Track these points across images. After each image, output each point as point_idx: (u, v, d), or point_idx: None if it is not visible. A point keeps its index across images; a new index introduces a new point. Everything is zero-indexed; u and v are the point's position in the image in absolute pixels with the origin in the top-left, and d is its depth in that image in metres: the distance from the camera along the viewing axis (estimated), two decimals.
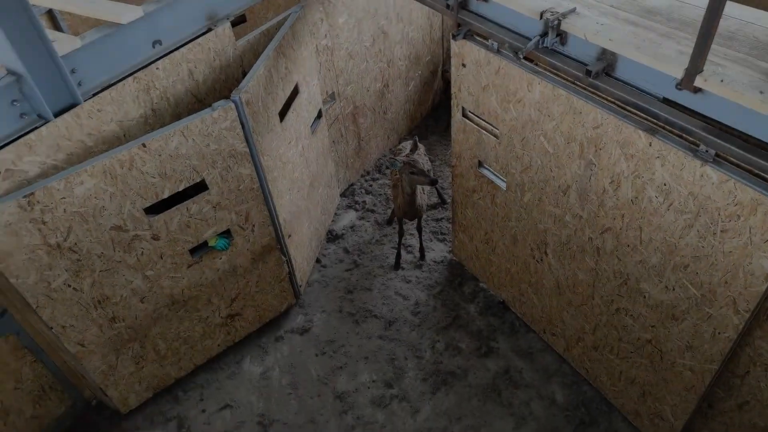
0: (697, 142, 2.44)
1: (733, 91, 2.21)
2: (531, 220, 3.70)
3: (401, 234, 4.91)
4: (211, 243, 3.79)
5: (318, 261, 5.14)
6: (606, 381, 3.80)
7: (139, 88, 3.36)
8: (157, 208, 3.41)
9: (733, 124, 2.34)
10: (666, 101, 2.55)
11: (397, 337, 4.48)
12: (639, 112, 2.65)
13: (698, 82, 2.32)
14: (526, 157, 3.42)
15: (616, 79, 2.72)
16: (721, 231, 2.52)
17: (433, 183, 4.20)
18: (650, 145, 2.61)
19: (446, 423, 3.90)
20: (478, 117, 3.71)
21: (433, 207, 5.55)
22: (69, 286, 3.25)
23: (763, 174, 2.30)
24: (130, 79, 3.30)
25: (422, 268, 4.98)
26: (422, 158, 4.61)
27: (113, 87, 3.23)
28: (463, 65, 3.50)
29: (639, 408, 3.62)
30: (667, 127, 2.56)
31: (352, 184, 5.84)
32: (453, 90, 3.76)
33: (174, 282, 3.74)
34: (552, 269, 3.74)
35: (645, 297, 3.12)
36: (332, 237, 5.33)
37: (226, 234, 3.86)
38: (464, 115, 3.81)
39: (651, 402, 3.48)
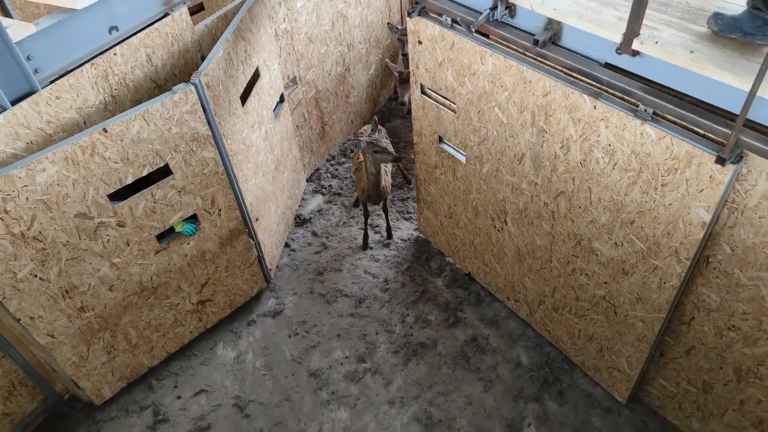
0: (637, 103, 2.61)
1: (666, 51, 2.37)
2: (490, 190, 3.84)
3: (367, 215, 5.00)
4: (178, 228, 3.81)
5: (287, 245, 5.19)
6: (567, 340, 4.00)
7: (98, 75, 3.36)
8: (121, 195, 3.42)
9: (669, 83, 2.51)
10: (608, 66, 2.71)
11: (367, 314, 4.58)
12: (584, 78, 2.80)
13: (636, 45, 2.47)
14: (483, 129, 3.55)
15: (562, 47, 2.86)
16: (662, 185, 2.69)
17: (396, 160, 4.30)
18: (595, 108, 2.77)
19: (418, 391, 4.04)
20: (435, 93, 3.82)
21: (398, 187, 5.66)
22: (35, 276, 3.24)
23: (694, 128, 2.48)
24: (87, 65, 3.29)
25: (390, 247, 5.09)
26: (384, 139, 4.71)
27: (71, 74, 3.22)
28: (419, 42, 3.61)
29: (598, 363, 3.83)
30: (610, 90, 2.72)
31: (318, 169, 5.90)
32: (411, 68, 3.87)
33: (142, 269, 3.75)
34: (512, 237, 3.90)
35: (597, 255, 3.30)
36: (300, 221, 5.39)
37: (193, 219, 3.88)
38: (423, 92, 3.92)
39: (608, 356, 3.69)
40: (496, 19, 3.04)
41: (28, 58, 3.00)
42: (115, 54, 3.40)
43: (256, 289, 4.70)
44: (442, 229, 4.72)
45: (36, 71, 3.06)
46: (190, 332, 4.38)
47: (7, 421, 3.82)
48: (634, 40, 2.46)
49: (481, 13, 3.05)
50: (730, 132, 2.28)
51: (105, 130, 3.10)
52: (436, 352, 4.27)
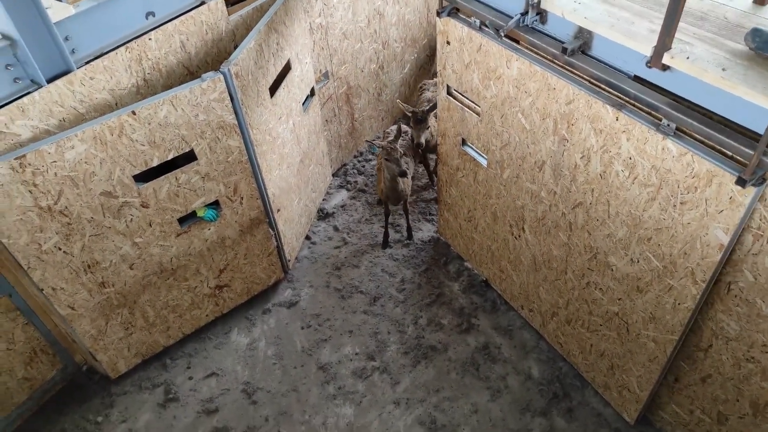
0: (660, 117, 2.52)
1: (697, 67, 2.28)
2: (510, 196, 3.80)
3: (387, 214, 5.00)
4: (200, 213, 3.89)
5: (308, 238, 5.23)
6: (578, 355, 3.92)
7: (132, 58, 3.45)
8: (146, 177, 3.51)
9: (697, 100, 2.42)
10: (637, 79, 2.62)
11: (381, 312, 4.58)
12: (610, 89, 2.72)
13: (666, 59, 2.39)
14: (505, 134, 3.51)
15: (591, 57, 2.79)
16: (681, 203, 2.61)
17: (401, 174, 4.33)
18: (617, 120, 2.70)
19: (424, 394, 4.01)
20: (461, 95, 3.79)
21: (423, 188, 5.63)
22: (59, 249, 3.35)
23: (717, 146, 2.39)
24: (122, 48, 3.38)
25: (409, 248, 5.07)
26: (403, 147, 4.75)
27: (106, 56, 3.32)
28: (448, 43, 3.59)
29: (608, 380, 3.74)
30: (635, 103, 2.64)
31: (344, 164, 5.93)
32: (438, 68, 3.85)
33: (163, 250, 3.84)
34: (529, 245, 3.84)
35: (612, 270, 3.22)
36: (323, 215, 5.42)
37: (215, 205, 3.95)
38: (449, 92, 3.89)
39: (619, 374, 3.60)
40: (527, 25, 2.99)
41: (66, 39, 3.10)
42: (150, 39, 3.48)
43: (274, 279, 4.75)
44: (461, 233, 4.68)
45: (73, 51, 3.17)
46: (206, 316, 4.47)
47: (27, 385, 3.97)
48: (665, 54, 2.37)
49: (512, 18, 3.00)
50: (753, 153, 2.18)
51: (133, 113, 3.18)
52: (446, 356, 4.23)
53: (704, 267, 2.66)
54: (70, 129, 3.08)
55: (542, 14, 2.93)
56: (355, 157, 6.03)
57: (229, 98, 3.52)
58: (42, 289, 3.44)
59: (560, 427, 3.77)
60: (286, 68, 4.28)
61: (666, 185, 2.64)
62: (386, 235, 5.09)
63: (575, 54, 2.80)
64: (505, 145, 3.58)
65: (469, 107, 3.77)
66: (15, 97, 3.00)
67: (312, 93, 4.86)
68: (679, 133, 2.50)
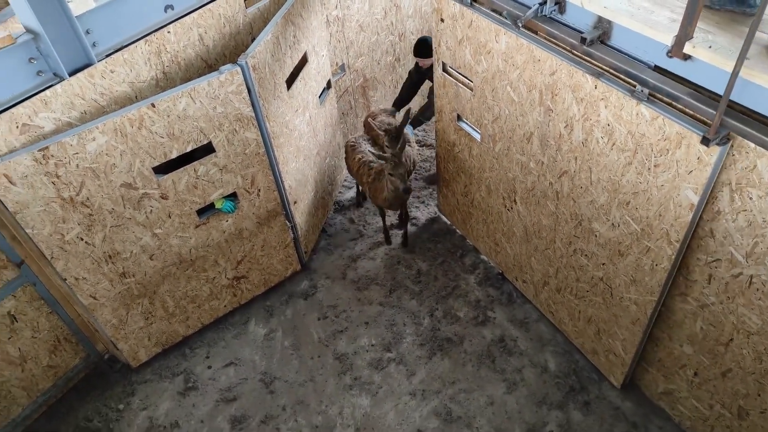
0: (634, 83, 2.64)
1: (719, 57, 2.24)
2: (502, 169, 3.93)
3: (384, 214, 4.96)
4: (218, 205, 3.93)
5: (324, 230, 5.26)
6: (568, 322, 4.04)
7: (151, 51, 3.49)
8: (165, 169, 3.55)
9: (719, 90, 2.37)
10: (657, 69, 2.59)
11: (397, 304, 4.60)
12: (629, 79, 2.69)
13: (687, 48, 2.35)
14: (496, 107, 3.63)
15: (610, 47, 2.75)
16: (654, 166, 2.72)
17: (405, 192, 4.24)
18: (596, 88, 2.80)
19: (440, 386, 4.03)
20: (455, 71, 3.91)
21: (432, 181, 5.62)
22: (81, 239, 3.42)
23: (686, 109, 2.51)
24: (142, 41, 3.42)
25: (425, 240, 5.07)
26: (412, 149, 4.64)
27: (126, 49, 3.36)
28: (442, 20, 3.72)
29: (596, 346, 3.86)
30: (610, 70, 2.76)
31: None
32: (434, 46, 3.98)
33: (182, 241, 3.89)
34: (521, 216, 3.98)
35: (596, 236, 3.34)
36: (339, 208, 5.45)
37: (233, 197, 3.99)
38: (444, 69, 4.02)
39: (605, 338, 3.72)
40: (545, 15, 2.96)
41: (87, 32, 3.15)
42: (168, 32, 3.52)
43: (291, 271, 4.79)
44: (459, 208, 4.83)
45: (94, 45, 3.21)
46: (225, 306, 4.53)
47: (51, 373, 4.07)
48: (687, 44, 2.33)
49: (530, 8, 2.97)
50: (715, 113, 2.28)
51: (153, 105, 3.22)
52: (462, 348, 4.24)
53: (677, 227, 2.77)
54: (92, 121, 3.14)
55: (561, 4, 2.90)
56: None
57: (246, 91, 3.54)
58: (65, 279, 3.51)
59: (577, 421, 3.76)
60: (303, 61, 4.29)
61: (641, 149, 2.75)
62: (386, 232, 5.07)
63: (594, 44, 2.76)
64: (496, 119, 3.69)
65: (462, 83, 3.88)
66: (38, 90, 3.06)
67: (328, 86, 4.87)
68: (652, 98, 2.60)
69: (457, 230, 5.04)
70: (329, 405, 4.01)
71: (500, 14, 3.23)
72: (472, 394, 3.96)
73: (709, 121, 2.39)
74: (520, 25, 3.03)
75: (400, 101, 5.20)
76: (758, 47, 2.24)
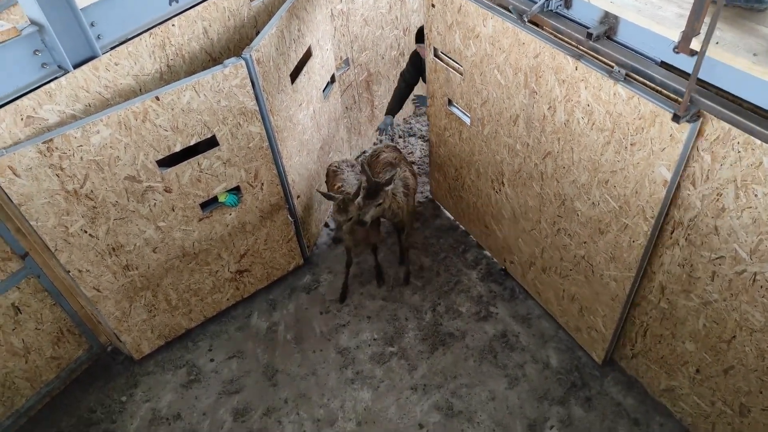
0: (612, 64, 2.73)
1: (727, 53, 2.23)
2: (490, 152, 4.03)
3: (349, 264, 4.51)
4: (221, 198, 3.94)
5: (326, 225, 5.26)
6: (554, 301, 4.16)
7: (155, 44, 3.48)
8: (169, 162, 3.55)
9: (727, 87, 2.36)
10: (664, 65, 2.57)
11: (399, 299, 4.60)
12: (636, 76, 2.68)
13: (695, 44, 2.33)
14: (484, 91, 3.72)
15: (616, 42, 2.74)
16: (631, 144, 2.81)
17: (362, 224, 3.71)
18: (576, 69, 2.89)
19: (442, 381, 4.04)
20: (446, 56, 4.00)
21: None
22: (85, 232, 3.43)
23: (659, 88, 2.60)
24: (146, 34, 3.42)
25: (428, 236, 5.07)
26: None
27: (130, 42, 3.36)
28: (433, 5, 3.81)
29: (579, 323, 3.99)
30: (590, 52, 2.85)
31: (364, 152, 5.93)
32: (426, 32, 4.08)
33: (185, 234, 3.90)
34: (509, 199, 4.09)
35: (578, 215, 3.44)
36: None
37: (236, 191, 3.99)
38: (436, 55, 4.11)
39: (587, 316, 3.84)
40: (551, 10, 2.95)
41: (92, 24, 3.15)
42: (173, 25, 3.51)
43: (293, 265, 4.80)
44: (450, 193, 4.94)
45: (98, 37, 3.21)
46: (227, 299, 4.54)
47: (54, 364, 4.09)
48: (693, 39, 2.32)
49: (536, 2, 2.96)
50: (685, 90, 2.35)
51: (157, 98, 3.22)
52: (463, 344, 4.24)
53: (652, 204, 2.86)
54: (96, 114, 3.13)
55: None
56: (374, 144, 6.03)
57: (250, 84, 3.54)
58: (69, 271, 3.52)
59: (578, 416, 3.77)
60: (307, 54, 4.28)
61: (618, 128, 2.84)
62: (345, 287, 4.58)
63: (600, 39, 2.75)
64: (484, 102, 3.78)
65: (453, 68, 3.98)
66: (42, 82, 3.06)
67: (332, 80, 4.86)
68: (629, 78, 2.69)
69: (449, 214, 5.17)
70: (331, 398, 4.02)
71: (506, 9, 3.21)
72: (473, 388, 3.97)
73: (679, 99, 2.49)
74: (526, 19, 3.02)
75: (392, 109, 4.90)
76: (766, 43, 2.23)
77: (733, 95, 2.37)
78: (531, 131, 3.46)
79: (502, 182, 4.03)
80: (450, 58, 3.96)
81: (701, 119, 2.46)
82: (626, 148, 2.84)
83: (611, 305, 3.54)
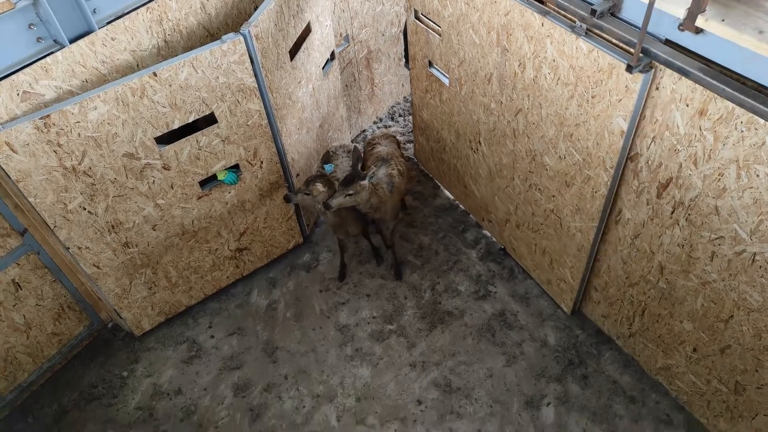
0: (574, 18, 2.86)
1: (732, 31, 2.19)
2: (468, 112, 4.14)
3: (342, 247, 4.59)
4: (221, 176, 3.92)
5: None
6: (527, 256, 4.36)
7: (152, 19, 3.43)
8: (168, 140, 3.53)
9: (732, 66, 2.33)
10: (668, 42, 2.54)
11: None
12: (632, 49, 2.64)
13: (700, 22, 2.30)
14: (461, 51, 3.83)
15: (621, 19, 2.70)
16: (592, 97, 2.93)
17: (326, 207, 3.72)
18: (543, 26, 3.00)
19: (440, 358, 4.07)
20: (426, 18, 4.11)
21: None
22: (84, 209, 3.42)
23: (615, 41, 2.72)
24: (143, 9, 3.36)
25: (428, 215, 5.06)
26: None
27: (127, 16, 3.31)
28: None
29: (550, 276, 4.20)
30: (556, 8, 2.95)
31: (363, 130, 5.89)
32: None
33: (184, 212, 3.89)
34: (485, 158, 4.22)
35: (547, 169, 3.59)
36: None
37: (235, 168, 3.97)
38: (416, 17, 4.21)
39: (557, 268, 4.04)
40: None
41: None
42: None
43: (293, 243, 4.80)
44: (433, 155, 5.06)
45: (94, 11, 3.16)
46: (227, 277, 4.55)
47: (56, 340, 4.13)
48: (699, 17, 2.28)
49: None
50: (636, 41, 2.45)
51: (154, 74, 3.18)
52: (462, 322, 4.27)
53: (611, 154, 3.01)
54: (93, 90, 3.10)
55: None
56: (374, 123, 5.98)
57: (249, 60, 3.49)
58: (68, 248, 3.52)
59: (574, 393, 3.81)
60: (306, 31, 4.22)
61: (580, 82, 2.95)
62: (342, 266, 4.64)
63: (604, 16, 2.71)
64: (461, 63, 3.89)
65: (432, 29, 4.09)
66: (38, 57, 3.02)
67: (332, 57, 4.80)
68: (590, 32, 2.80)
69: (431, 175, 5.32)
70: (330, 375, 4.06)
71: None
72: (471, 366, 4.01)
73: (632, 50, 2.59)
74: None
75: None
76: None
77: (737, 74, 2.34)
78: (504, 89, 3.58)
79: (479, 141, 4.17)
80: (429, 20, 4.07)
81: (653, 70, 2.58)
82: (588, 101, 2.97)
83: (578, 256, 3.72)
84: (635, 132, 2.87)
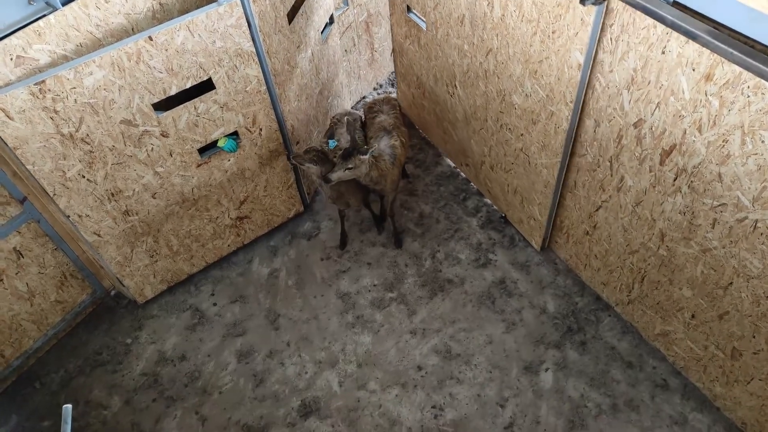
0: None
1: None
2: (444, 56, 4.22)
3: (342, 215, 4.58)
4: (220, 144, 3.88)
5: None
6: (501, 197, 4.53)
7: None
8: (166, 106, 3.48)
9: (741, 29, 2.28)
10: (676, 4, 2.47)
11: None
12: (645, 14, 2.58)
13: None
14: None
15: None
16: (552, 32, 3.05)
17: (325, 180, 3.74)
18: None
19: (440, 325, 4.11)
20: None
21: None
22: (83, 176, 3.40)
23: None
24: None
25: (429, 183, 5.04)
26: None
27: None
28: None
29: (521, 215, 4.38)
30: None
31: (363, 97, 5.82)
32: None
33: (184, 180, 3.87)
34: (461, 101, 4.31)
35: (515, 108, 3.70)
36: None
37: (235, 136, 3.94)
38: None
39: (527, 206, 4.22)
40: None
41: None
42: None
43: (294, 212, 4.80)
44: (414, 102, 5.14)
45: None
46: (228, 246, 4.56)
47: (59, 308, 4.16)
48: None
49: None
50: None
51: (150, 38, 3.12)
52: (462, 289, 4.30)
53: (570, 88, 3.13)
54: (88, 54, 3.04)
55: None
56: (374, 89, 5.90)
57: (246, 24, 3.41)
58: (68, 216, 3.52)
59: (573, 359, 3.86)
60: None
61: (542, 18, 3.05)
62: (343, 234, 4.65)
63: None
64: (436, 5, 3.96)
65: None
66: (30, 20, 2.95)
67: (331, 20, 4.70)
68: None
69: (413, 123, 5.40)
70: (332, 342, 4.11)
71: None
72: (471, 333, 4.05)
73: None
74: None
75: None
76: None
77: (745, 36, 2.28)
78: (475, 30, 3.66)
79: (455, 85, 4.25)
80: None
81: (606, 2, 2.68)
82: (549, 36, 3.08)
83: (544, 192, 3.89)
84: (592, 65, 3.00)
